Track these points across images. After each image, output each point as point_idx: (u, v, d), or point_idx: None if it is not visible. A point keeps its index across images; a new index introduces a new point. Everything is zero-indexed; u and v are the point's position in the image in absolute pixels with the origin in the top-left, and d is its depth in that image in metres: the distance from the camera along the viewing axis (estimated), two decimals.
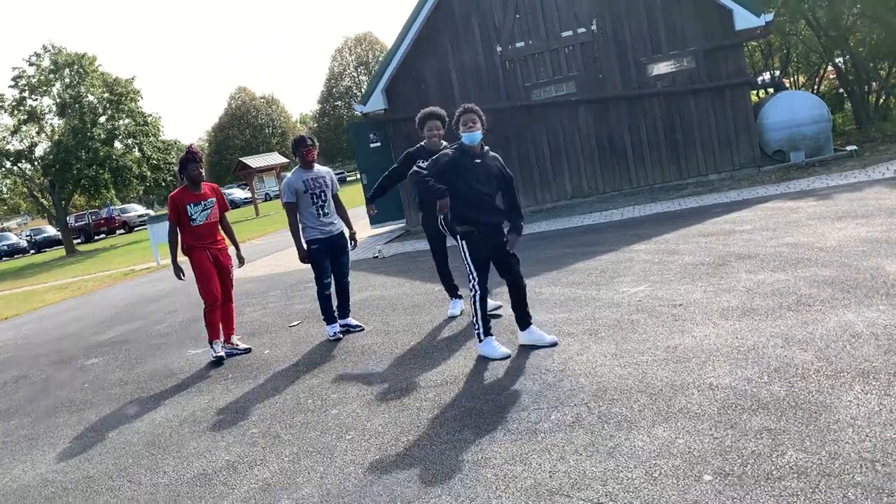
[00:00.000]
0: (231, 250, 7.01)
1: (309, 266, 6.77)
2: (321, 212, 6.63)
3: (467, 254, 5.26)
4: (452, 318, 6.67)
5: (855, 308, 4.69)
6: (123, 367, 7.30)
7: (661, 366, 4.36)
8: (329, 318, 6.78)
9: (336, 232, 6.74)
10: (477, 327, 5.22)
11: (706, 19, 12.51)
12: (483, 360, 5.14)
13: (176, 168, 6.63)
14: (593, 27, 13.03)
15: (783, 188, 10.42)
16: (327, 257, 6.70)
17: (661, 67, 12.93)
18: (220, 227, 6.79)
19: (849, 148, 12.74)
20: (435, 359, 5.44)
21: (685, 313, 5.30)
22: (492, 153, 5.31)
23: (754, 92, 18.94)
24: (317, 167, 6.75)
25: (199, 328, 7.78)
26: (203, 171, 6.64)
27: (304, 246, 6.64)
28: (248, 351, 6.82)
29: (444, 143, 6.37)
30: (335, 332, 6.74)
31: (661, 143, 13.05)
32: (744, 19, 12.19)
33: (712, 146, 12.86)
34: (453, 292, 6.79)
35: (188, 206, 6.47)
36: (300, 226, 6.69)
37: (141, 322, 9.84)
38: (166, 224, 7.08)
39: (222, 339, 6.80)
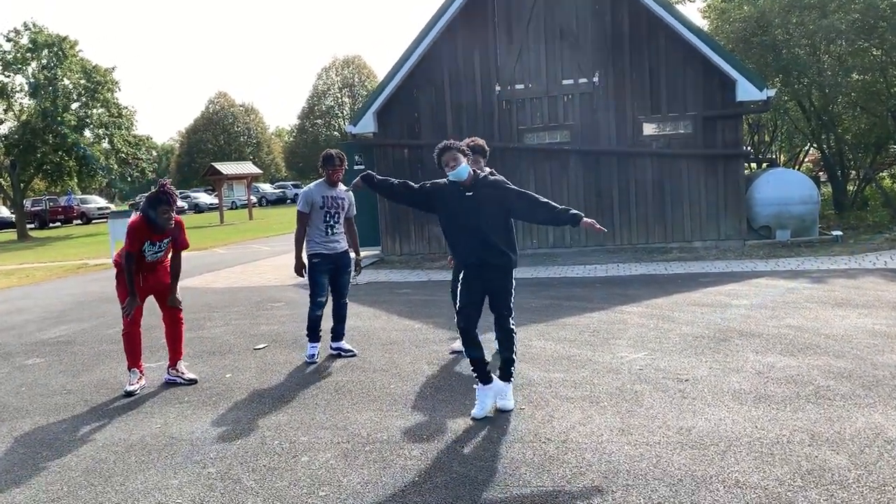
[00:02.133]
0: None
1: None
2: (330, 230, 6.39)
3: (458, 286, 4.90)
4: (455, 353, 6.33)
5: (882, 409, 4.36)
6: (68, 373, 6.65)
7: (676, 450, 3.95)
8: (313, 336, 6.44)
9: (340, 250, 6.46)
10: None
11: (709, 86, 12.44)
12: (472, 418, 4.67)
13: (144, 197, 5.83)
14: (595, 79, 12.87)
15: (772, 265, 10.24)
16: (326, 275, 6.41)
17: (658, 128, 12.80)
18: (166, 259, 6.14)
19: (834, 232, 12.70)
20: (418, 407, 4.96)
21: (693, 390, 4.93)
22: (492, 179, 4.87)
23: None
24: (340, 186, 6.48)
25: (156, 338, 7.19)
26: (173, 215, 5.76)
27: (304, 259, 6.39)
28: (192, 382, 6.02)
29: (490, 168, 6.11)
30: (313, 355, 6.41)
31: (648, 203, 12.86)
32: (746, 91, 12.12)
33: (700, 214, 12.70)
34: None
35: (146, 243, 5.83)
36: (306, 239, 6.40)
37: (91, 323, 9.15)
38: (126, 221, 6.41)
39: (141, 369, 6.00)
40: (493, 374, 4.80)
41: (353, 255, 6.70)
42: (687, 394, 4.87)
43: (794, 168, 21.71)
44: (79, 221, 43.95)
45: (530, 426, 4.46)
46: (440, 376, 5.71)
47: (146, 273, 5.93)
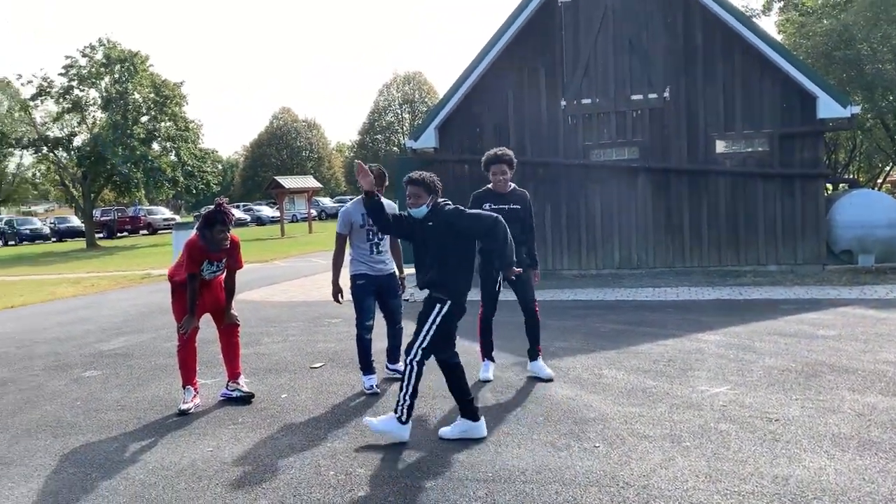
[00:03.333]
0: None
1: (334, 302, 6.12)
2: (375, 249, 6.02)
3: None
4: (486, 382, 6.03)
5: None
6: (123, 388, 6.54)
7: (773, 503, 3.52)
8: (366, 368, 5.99)
9: (387, 272, 6.09)
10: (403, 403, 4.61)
11: (788, 102, 11.84)
12: (541, 455, 4.32)
13: (201, 214, 5.65)
14: (666, 94, 12.40)
15: (857, 293, 9.57)
16: (372, 297, 6.03)
17: (732, 146, 12.23)
18: (222, 276, 5.99)
19: None
20: (484, 441, 4.63)
21: (786, 433, 4.47)
22: (448, 210, 4.64)
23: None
24: (383, 200, 6.11)
25: (213, 353, 7.04)
26: (228, 234, 5.62)
27: (338, 281, 6.07)
28: (249, 396, 5.82)
29: (512, 185, 6.09)
30: (372, 386, 5.95)
31: (721, 224, 12.27)
32: (828, 108, 11.48)
33: (775, 236, 12.05)
34: (488, 352, 6.21)
35: (204, 263, 5.69)
36: (349, 259, 6.04)
37: (150, 334, 9.11)
38: (189, 233, 6.24)
39: (195, 387, 5.82)
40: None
41: (397, 273, 6.33)
42: (779, 436, 4.41)
43: (873, 188, 20.70)
44: (145, 232, 45.13)
45: (606, 467, 4.08)
46: (505, 407, 5.37)
47: (203, 289, 5.79)
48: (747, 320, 7.97)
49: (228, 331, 5.98)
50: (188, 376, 5.79)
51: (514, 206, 5.93)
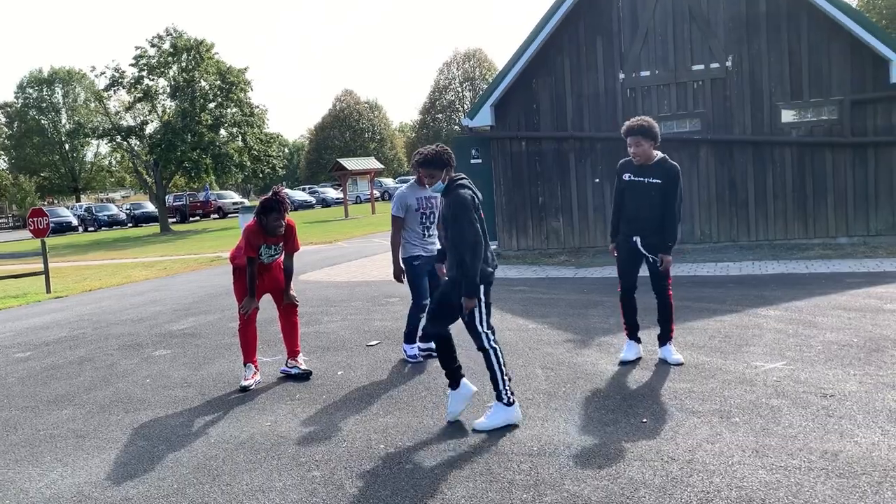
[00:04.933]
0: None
1: (394, 281, 6.32)
2: (427, 232, 6.24)
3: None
4: (624, 363, 5.72)
5: None
6: (190, 365, 6.85)
7: (820, 478, 3.48)
8: (411, 338, 6.32)
9: (436, 252, 6.20)
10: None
11: (858, 67, 11.33)
12: (587, 430, 4.36)
13: (261, 200, 5.81)
14: (728, 63, 12.03)
15: None
16: (427, 276, 6.21)
17: (799, 114, 11.80)
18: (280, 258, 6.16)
19: None
20: (531, 415, 4.69)
21: (840, 408, 4.38)
22: (455, 195, 4.50)
23: None
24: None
25: (274, 332, 7.27)
26: (284, 222, 5.76)
27: (399, 261, 6.25)
28: (307, 374, 6.03)
29: (660, 156, 5.61)
30: (415, 355, 6.29)
31: (787, 196, 11.89)
32: None
33: (846, 207, 11.61)
34: (633, 332, 5.85)
35: (262, 247, 5.87)
36: (402, 242, 6.23)
37: (217, 315, 9.47)
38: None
39: (256, 365, 6.05)
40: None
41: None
42: (833, 411, 4.32)
43: None
44: (215, 216, 46.53)
45: (652, 443, 4.09)
46: (554, 382, 5.40)
47: (262, 272, 5.99)
48: (810, 294, 7.76)
49: (288, 310, 6.18)
50: (249, 354, 6.03)
51: (654, 181, 5.51)
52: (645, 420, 4.44)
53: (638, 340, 5.85)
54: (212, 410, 5.39)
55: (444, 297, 4.68)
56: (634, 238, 5.64)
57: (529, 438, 4.30)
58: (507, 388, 4.54)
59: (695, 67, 12.25)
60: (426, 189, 6.21)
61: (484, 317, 4.57)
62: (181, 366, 6.86)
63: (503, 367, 4.58)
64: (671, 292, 5.74)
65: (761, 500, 3.32)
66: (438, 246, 6.28)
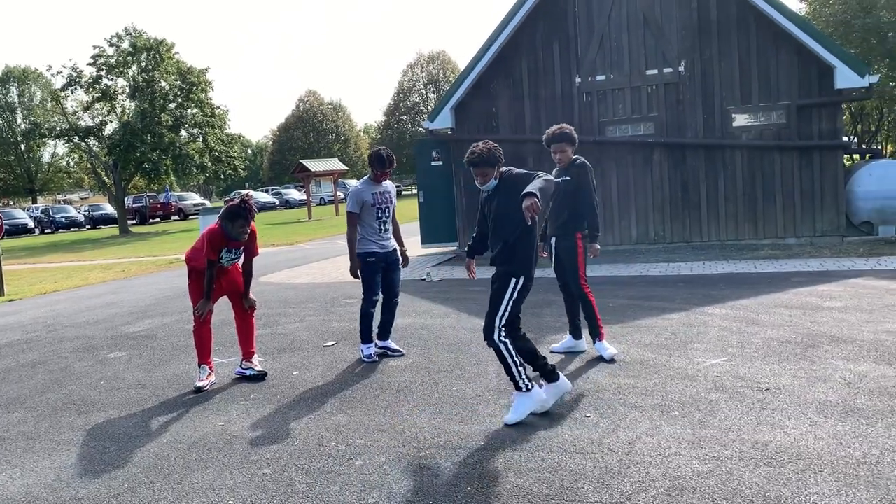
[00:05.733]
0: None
1: (354, 279, 6.40)
2: (383, 227, 6.35)
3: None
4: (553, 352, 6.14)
5: None
6: (145, 367, 6.85)
7: (749, 467, 3.65)
8: (366, 338, 6.41)
9: (392, 248, 6.44)
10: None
11: (804, 73, 11.72)
12: (533, 425, 4.49)
13: (228, 205, 5.83)
14: (681, 68, 12.34)
15: (873, 264, 9.54)
16: (380, 273, 6.35)
17: (749, 119, 12.16)
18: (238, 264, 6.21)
19: None
20: (479, 412, 4.81)
21: (774, 401, 4.58)
22: (512, 173, 4.65)
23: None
24: (386, 182, 6.40)
25: (231, 333, 7.29)
26: (249, 228, 5.80)
27: (357, 257, 6.33)
28: (262, 375, 6.07)
29: (578, 158, 5.92)
30: (371, 355, 6.37)
31: (738, 198, 12.24)
32: (846, 78, 11.35)
33: (794, 208, 11.99)
34: (571, 326, 6.19)
35: (223, 251, 5.89)
36: (358, 237, 6.32)
37: (174, 317, 9.43)
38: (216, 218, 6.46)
39: (210, 366, 6.08)
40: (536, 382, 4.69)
41: (399, 248, 6.60)
42: (766, 404, 4.53)
43: None
44: (176, 217, 45.92)
45: (594, 435, 4.24)
46: (504, 379, 5.51)
47: (219, 275, 6.03)
48: (756, 293, 8.03)
49: (244, 312, 6.22)
50: (203, 355, 6.06)
51: (567, 178, 5.86)
52: (589, 415, 4.59)
53: (575, 336, 6.10)
54: (165, 411, 5.41)
55: (496, 296, 4.63)
56: (552, 239, 6.00)
57: (477, 433, 4.42)
58: (524, 375, 4.55)
59: (649, 72, 12.54)
60: (381, 185, 6.34)
61: (507, 312, 4.56)
62: (136, 368, 6.85)
63: (515, 358, 4.56)
64: (588, 288, 5.95)
65: (693, 489, 3.48)
66: (393, 241, 6.44)
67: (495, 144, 4.66)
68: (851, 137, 21.08)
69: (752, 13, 11.84)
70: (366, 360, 6.36)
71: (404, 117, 63.03)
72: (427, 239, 14.51)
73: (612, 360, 5.72)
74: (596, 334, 5.90)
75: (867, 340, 5.80)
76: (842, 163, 12.08)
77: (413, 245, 15.34)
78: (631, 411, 4.60)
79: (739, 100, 12.12)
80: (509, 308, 4.56)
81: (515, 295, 4.57)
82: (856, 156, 18.17)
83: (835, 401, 4.50)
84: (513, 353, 4.57)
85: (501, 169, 4.67)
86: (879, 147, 21.25)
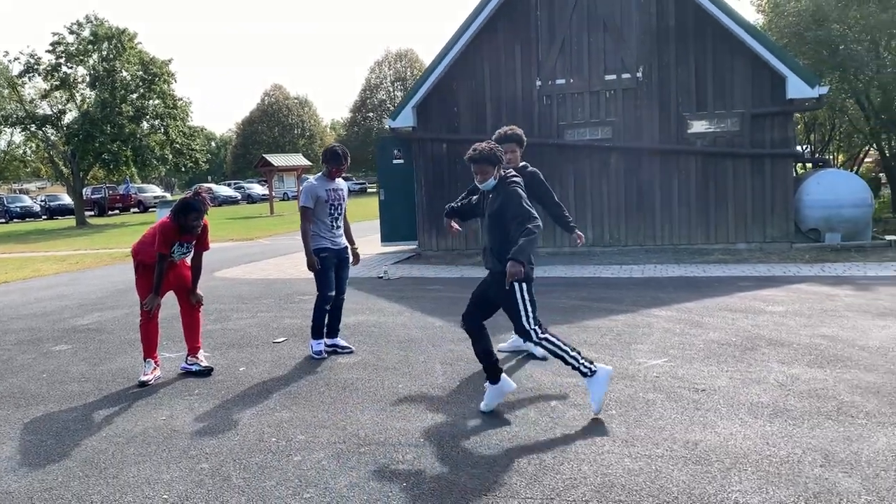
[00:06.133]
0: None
1: (310, 276, 6.38)
2: (335, 223, 6.38)
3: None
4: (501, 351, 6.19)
5: None
6: (90, 361, 6.76)
7: (678, 465, 3.76)
8: (318, 334, 6.42)
9: (343, 245, 6.47)
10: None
11: (757, 83, 11.99)
12: (474, 423, 4.55)
13: (181, 198, 5.82)
14: (639, 74, 12.54)
15: (817, 270, 9.81)
16: (333, 269, 6.37)
17: (703, 125, 12.39)
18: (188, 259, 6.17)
19: (888, 237, 12.13)
20: (422, 409, 4.86)
21: (708, 401, 4.71)
22: (509, 189, 4.65)
23: (795, 165, 18.40)
24: (338, 179, 6.42)
25: (179, 327, 7.23)
26: (202, 222, 5.82)
27: (312, 251, 6.32)
28: (207, 371, 6.05)
29: (524, 162, 6.06)
30: (321, 351, 6.38)
31: (691, 203, 12.48)
32: (797, 88, 11.64)
33: (745, 215, 12.26)
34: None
35: (175, 245, 5.85)
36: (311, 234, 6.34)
37: (124, 310, 9.31)
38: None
39: (156, 360, 6.05)
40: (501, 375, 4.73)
41: (350, 246, 6.59)
42: (701, 405, 4.65)
43: (853, 169, 20.88)
44: (136, 210, 45.19)
45: (532, 433, 4.32)
46: (451, 377, 5.59)
47: (168, 269, 5.97)
48: (703, 296, 8.21)
49: (191, 307, 6.18)
50: (149, 350, 6.01)
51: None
52: (529, 414, 4.66)
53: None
54: (108, 405, 5.36)
55: (482, 293, 4.73)
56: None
57: (418, 431, 4.46)
58: (581, 361, 4.56)
59: (608, 77, 12.71)
60: (335, 182, 6.36)
61: (530, 313, 4.60)
62: (81, 361, 6.76)
63: (567, 347, 4.58)
64: None
65: (622, 486, 3.57)
66: (344, 241, 6.46)
67: (497, 145, 4.74)
68: (805, 147, 21.60)
69: (709, 22, 12.07)
70: (315, 356, 6.38)
71: (371, 114, 62.91)
72: (387, 237, 14.51)
73: (543, 358, 5.84)
74: None
75: (803, 344, 5.98)
76: (791, 171, 12.38)
77: (373, 243, 15.37)
78: (570, 409, 4.69)
79: (695, 107, 12.35)
80: (528, 307, 4.61)
81: (526, 295, 4.63)
82: (808, 164, 18.64)
83: (766, 402, 4.64)
84: (560, 343, 4.59)
85: (502, 171, 4.73)
86: (831, 157, 21.78)
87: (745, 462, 3.75)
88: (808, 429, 4.16)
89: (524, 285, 4.61)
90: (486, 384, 4.77)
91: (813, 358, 5.56)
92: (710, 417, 4.42)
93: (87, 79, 34.60)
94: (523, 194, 4.61)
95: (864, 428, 4.13)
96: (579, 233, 6.09)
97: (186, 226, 5.74)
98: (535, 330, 4.61)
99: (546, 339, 4.60)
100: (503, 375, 4.78)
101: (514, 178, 4.71)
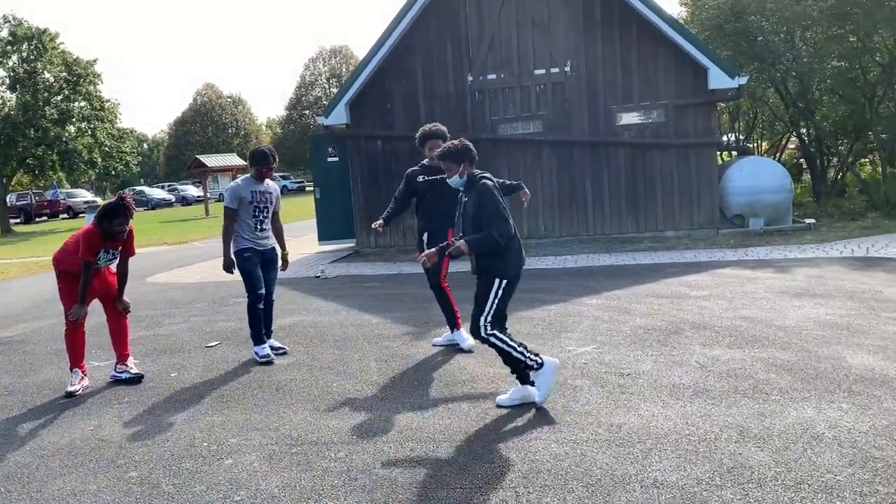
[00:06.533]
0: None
1: (240, 278, 6.33)
2: (259, 226, 6.30)
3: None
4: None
5: (815, 403, 4.30)
6: (14, 373, 6.56)
7: (602, 448, 3.89)
8: (258, 338, 6.32)
9: (269, 247, 6.40)
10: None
11: (681, 74, 12.35)
12: (407, 417, 4.61)
13: (104, 203, 5.71)
14: (567, 68, 12.77)
15: (741, 255, 10.19)
16: (259, 267, 6.31)
17: (631, 117, 12.71)
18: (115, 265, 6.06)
19: (807, 221, 12.67)
20: (356, 406, 4.89)
21: (633, 385, 4.87)
22: (480, 188, 4.65)
23: (719, 153, 19.03)
24: (267, 182, 6.38)
25: (107, 335, 7.07)
26: (128, 227, 5.70)
27: (232, 256, 6.29)
28: (138, 378, 5.94)
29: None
30: (266, 355, 6.26)
31: (621, 194, 12.79)
32: (718, 79, 12.04)
33: (672, 203, 12.64)
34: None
35: (101, 251, 5.73)
36: (234, 235, 6.28)
37: (51, 320, 9.03)
38: None
39: (83, 370, 5.92)
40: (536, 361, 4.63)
41: (280, 250, 6.55)
42: (626, 389, 4.81)
43: (776, 156, 21.68)
44: (65, 216, 43.66)
45: (462, 424, 4.40)
46: (385, 374, 5.64)
47: (93, 276, 5.84)
48: (632, 284, 8.45)
49: (117, 314, 6.06)
50: (76, 359, 5.87)
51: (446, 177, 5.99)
52: (462, 405, 4.74)
53: (451, 328, 6.28)
54: (32, 418, 5.22)
55: (482, 295, 4.65)
56: (425, 236, 6.14)
57: (350, 428, 4.50)
58: (528, 355, 4.56)
59: (537, 72, 12.91)
60: (263, 184, 6.31)
61: (492, 312, 4.59)
62: (4, 374, 6.55)
63: (511, 342, 4.58)
64: (447, 284, 6.21)
65: (548, 471, 3.68)
66: (272, 241, 6.41)
67: (467, 144, 4.75)
68: (731, 136, 22.33)
69: (633, 16, 12.37)
70: (261, 360, 6.22)
71: (307, 112, 62.21)
72: (324, 236, 14.43)
73: (470, 350, 5.98)
74: (454, 325, 6.19)
75: (724, 326, 6.23)
76: (715, 160, 12.81)
77: (310, 242, 15.27)
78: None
79: (622, 99, 12.65)
80: (495, 305, 4.61)
81: (501, 293, 4.62)
82: (734, 153, 19.27)
83: (687, 383, 4.83)
84: (506, 340, 4.60)
85: (472, 170, 4.73)
86: (755, 145, 22.56)
87: (665, 442, 3.91)
88: (725, 407, 4.35)
89: (503, 283, 4.61)
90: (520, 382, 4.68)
91: (733, 339, 5.80)
92: (633, 401, 4.58)
93: (7, 81, 33.28)
94: (497, 195, 4.57)
95: (777, 404, 4.34)
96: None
97: (111, 231, 5.63)
98: (485, 326, 4.62)
99: (493, 336, 4.61)
100: (544, 358, 4.67)
101: (485, 176, 4.73)
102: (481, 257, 4.65)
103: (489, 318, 4.62)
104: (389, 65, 13.35)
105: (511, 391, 4.74)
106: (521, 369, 4.66)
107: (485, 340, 4.64)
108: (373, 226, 6.13)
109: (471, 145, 4.78)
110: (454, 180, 4.78)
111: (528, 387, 4.68)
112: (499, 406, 4.65)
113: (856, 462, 3.51)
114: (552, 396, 4.75)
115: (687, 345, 5.74)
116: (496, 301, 4.62)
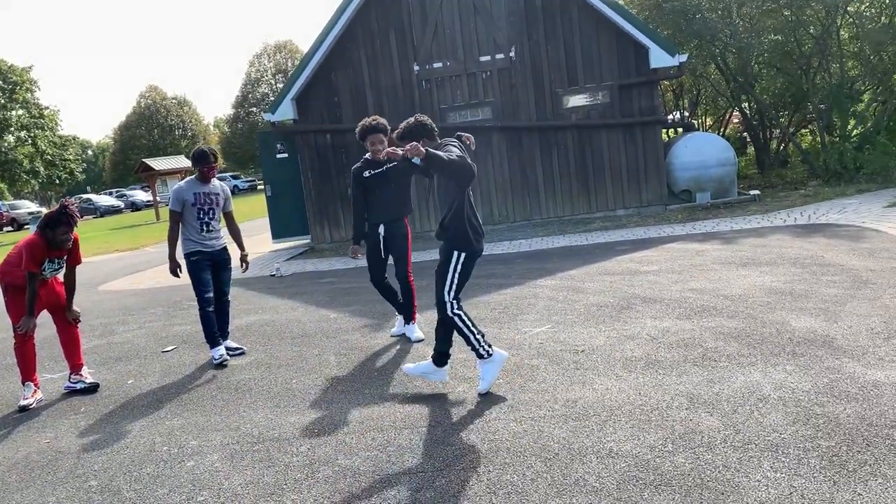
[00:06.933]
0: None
1: (173, 277, 6.35)
2: (205, 228, 6.23)
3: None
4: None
5: (761, 367, 4.46)
6: None
7: (558, 423, 3.98)
8: (213, 341, 6.26)
9: (218, 248, 6.31)
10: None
11: (623, 55, 12.54)
12: (367, 408, 4.65)
13: (47, 213, 5.61)
14: (511, 54, 12.85)
15: (689, 228, 10.43)
16: (208, 270, 6.25)
17: (577, 100, 12.86)
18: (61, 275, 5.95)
19: (752, 192, 13.00)
20: (316, 401, 4.91)
21: (587, 361, 4.98)
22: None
23: (665, 130, 19.41)
24: (213, 182, 6.35)
25: (59, 347, 6.95)
26: (72, 236, 5.62)
27: (179, 259, 6.25)
28: (94, 387, 5.87)
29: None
30: (221, 356, 6.22)
31: (572, 175, 12.96)
32: (659, 58, 12.26)
33: (622, 182, 12.85)
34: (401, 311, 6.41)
35: (46, 261, 5.63)
36: (181, 238, 6.21)
37: (1, 334, 8.83)
38: None
39: (36, 383, 5.81)
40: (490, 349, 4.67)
41: (239, 251, 6.53)
42: (581, 364, 4.92)
43: (719, 131, 22.15)
44: (9, 228, 42.39)
45: (423, 410, 4.45)
46: (344, 367, 5.66)
47: (39, 286, 5.73)
48: (585, 263, 8.59)
49: (68, 325, 5.96)
50: (28, 372, 5.76)
51: (397, 167, 5.92)
52: (421, 392, 4.80)
53: (406, 319, 6.30)
54: None
55: (442, 271, 4.63)
56: (381, 228, 6.08)
57: (311, 422, 4.52)
58: (482, 343, 4.59)
59: (482, 58, 12.96)
60: (207, 185, 6.25)
61: (454, 286, 4.58)
62: None
63: (473, 328, 4.60)
64: (412, 278, 6.23)
65: (507, 449, 3.75)
66: (222, 241, 6.36)
67: (422, 120, 4.69)
68: (676, 113, 22.73)
69: None
70: (216, 360, 6.19)
71: (254, 109, 61.40)
72: (278, 234, 14.32)
73: (419, 341, 6.09)
74: (411, 318, 6.25)
75: (674, 299, 6.39)
76: (660, 137, 13.05)
77: (265, 241, 15.14)
78: (460, 384, 4.85)
79: (567, 82, 12.79)
80: (456, 280, 4.60)
81: (460, 268, 4.60)
82: (679, 129, 19.62)
83: (639, 356, 4.95)
84: (469, 323, 4.61)
85: (435, 144, 4.67)
86: (699, 121, 23.00)
87: (619, 413, 4.02)
88: (676, 376, 4.48)
89: (462, 255, 4.58)
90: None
91: (682, 311, 5.96)
92: (588, 376, 4.69)
93: None
94: (457, 150, 4.53)
95: (725, 370, 4.49)
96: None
97: (56, 241, 5.53)
98: (451, 303, 4.61)
99: (458, 316, 4.62)
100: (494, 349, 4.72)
101: (449, 141, 4.71)
102: (442, 225, 4.61)
103: (452, 294, 4.63)
104: (334, 57, 13.28)
105: (423, 363, 4.83)
106: (473, 350, 4.69)
107: (449, 318, 4.65)
108: (351, 256, 6.18)
109: (426, 120, 4.72)
110: (417, 160, 4.75)
111: (439, 369, 4.79)
112: (405, 373, 4.94)
113: (799, 420, 3.66)
114: (510, 377, 4.84)
115: (638, 319, 5.88)
116: (456, 275, 4.63)
